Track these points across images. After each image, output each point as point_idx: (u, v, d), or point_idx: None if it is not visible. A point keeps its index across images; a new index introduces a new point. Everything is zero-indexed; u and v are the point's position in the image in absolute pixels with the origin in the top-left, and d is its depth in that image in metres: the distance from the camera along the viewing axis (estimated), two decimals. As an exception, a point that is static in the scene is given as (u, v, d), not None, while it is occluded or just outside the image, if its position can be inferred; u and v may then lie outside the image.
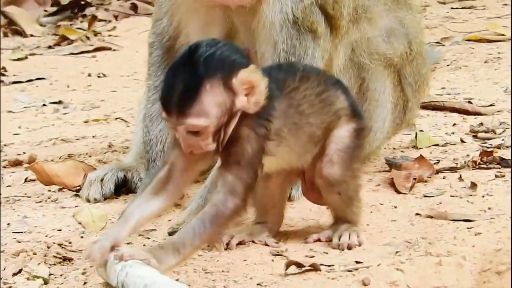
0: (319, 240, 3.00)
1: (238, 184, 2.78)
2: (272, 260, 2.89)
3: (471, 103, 4.29)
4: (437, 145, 3.81)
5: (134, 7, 6.99)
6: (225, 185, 2.78)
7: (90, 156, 3.94)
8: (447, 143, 3.82)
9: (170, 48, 3.51)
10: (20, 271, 2.91)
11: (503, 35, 5.43)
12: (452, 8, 6.32)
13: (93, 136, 4.27)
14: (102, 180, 3.52)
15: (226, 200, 2.76)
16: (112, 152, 4.01)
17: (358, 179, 3.03)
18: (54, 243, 3.06)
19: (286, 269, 2.75)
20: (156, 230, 3.21)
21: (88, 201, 3.47)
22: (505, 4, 6.29)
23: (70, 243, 3.07)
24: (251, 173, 2.81)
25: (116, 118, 4.55)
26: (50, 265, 2.95)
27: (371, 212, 3.22)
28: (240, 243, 3.01)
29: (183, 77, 2.72)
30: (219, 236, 2.92)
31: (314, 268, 2.77)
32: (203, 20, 3.39)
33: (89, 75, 5.47)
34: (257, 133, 2.83)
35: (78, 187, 3.58)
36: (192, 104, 2.72)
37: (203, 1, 3.35)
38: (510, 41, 5.31)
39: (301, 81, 2.95)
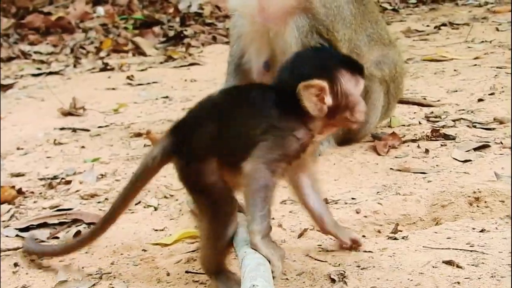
0: None
1: None
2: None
3: (425, 99, 4.17)
4: (403, 125, 3.70)
5: (214, 38, 6.94)
6: None
7: (185, 130, 3.88)
8: (410, 124, 3.71)
9: (239, 64, 3.40)
10: (139, 202, 2.88)
11: (445, 57, 5.30)
12: (413, 40, 6.19)
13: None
14: None
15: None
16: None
17: None
18: (161, 184, 3.01)
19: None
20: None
21: None
22: (448, 38, 6.16)
23: (171, 184, 3.02)
24: None
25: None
26: (159, 198, 2.92)
27: (362, 167, 3.13)
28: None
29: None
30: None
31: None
32: (256, 45, 3.29)
33: (185, 80, 5.42)
34: None
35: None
36: None
37: (256, 32, 3.25)
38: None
39: None
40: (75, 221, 2.65)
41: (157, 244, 2.45)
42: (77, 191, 2.98)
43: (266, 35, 3.23)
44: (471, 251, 2.24)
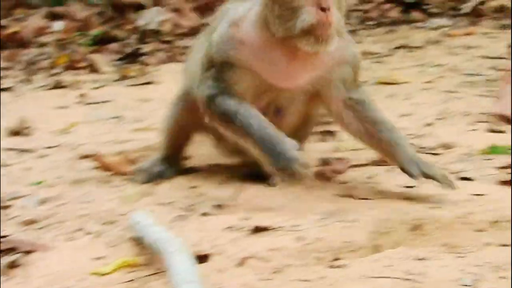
0: None
1: None
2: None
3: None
4: (352, 149, 3.62)
5: (171, 57, 6.86)
6: None
7: (134, 153, 3.81)
8: (358, 148, 3.55)
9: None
10: (81, 229, 2.81)
11: (398, 80, 5.33)
12: (371, 62, 6.21)
13: (138, 140, 4.14)
14: (148, 169, 3.40)
15: None
16: (150, 150, 3.83)
17: None
18: (103, 210, 2.95)
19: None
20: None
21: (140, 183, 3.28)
22: (402, 61, 6.23)
23: (113, 209, 2.98)
24: None
25: (154, 128, 4.43)
26: (100, 224, 2.85)
27: (307, 193, 3.10)
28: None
29: None
30: None
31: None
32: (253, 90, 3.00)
33: (139, 100, 5.35)
34: None
35: (125, 173, 3.44)
36: None
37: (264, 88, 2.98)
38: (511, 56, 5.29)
39: None
40: (11, 250, 2.58)
41: (94, 273, 2.41)
42: (16, 216, 2.91)
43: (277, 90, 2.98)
44: (409, 279, 2.25)
